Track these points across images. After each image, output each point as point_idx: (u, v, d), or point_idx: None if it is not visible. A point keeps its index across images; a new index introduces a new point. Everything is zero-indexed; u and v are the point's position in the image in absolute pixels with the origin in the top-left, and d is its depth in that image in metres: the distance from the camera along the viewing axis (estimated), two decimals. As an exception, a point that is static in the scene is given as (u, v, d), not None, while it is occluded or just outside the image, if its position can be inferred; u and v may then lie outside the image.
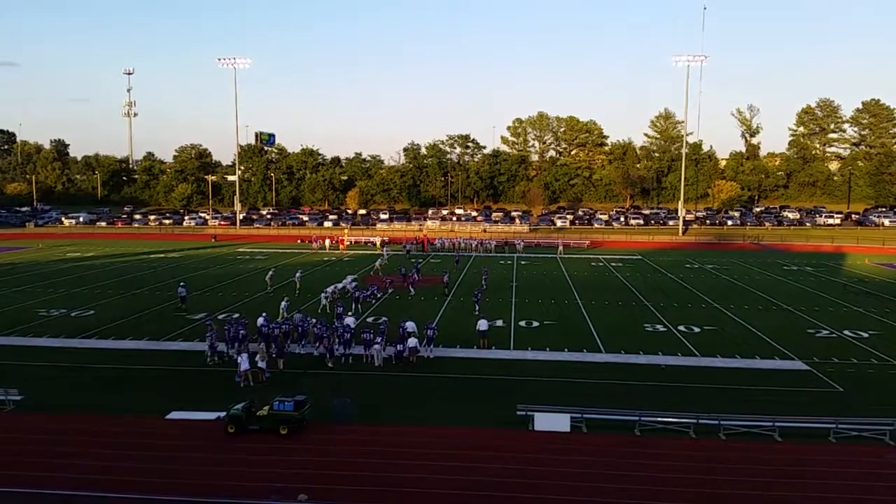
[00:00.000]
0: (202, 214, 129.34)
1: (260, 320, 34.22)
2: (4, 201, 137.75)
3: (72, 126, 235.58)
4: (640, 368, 31.13)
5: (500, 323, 39.94)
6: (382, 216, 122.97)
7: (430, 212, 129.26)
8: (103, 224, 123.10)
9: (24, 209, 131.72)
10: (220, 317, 40.57)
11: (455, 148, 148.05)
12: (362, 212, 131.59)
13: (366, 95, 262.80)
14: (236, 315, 40.67)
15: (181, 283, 47.33)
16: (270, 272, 54.00)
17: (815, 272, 64.73)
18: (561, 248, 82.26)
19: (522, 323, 40.26)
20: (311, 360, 31.83)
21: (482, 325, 34.41)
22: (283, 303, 39.90)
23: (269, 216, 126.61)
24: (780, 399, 26.75)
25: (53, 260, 71.33)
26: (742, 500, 18.68)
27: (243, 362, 28.32)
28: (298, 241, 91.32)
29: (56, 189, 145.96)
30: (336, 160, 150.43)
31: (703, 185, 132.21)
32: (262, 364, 28.58)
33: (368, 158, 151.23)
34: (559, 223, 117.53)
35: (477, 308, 43.08)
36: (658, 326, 39.79)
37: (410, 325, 33.38)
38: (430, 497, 17.71)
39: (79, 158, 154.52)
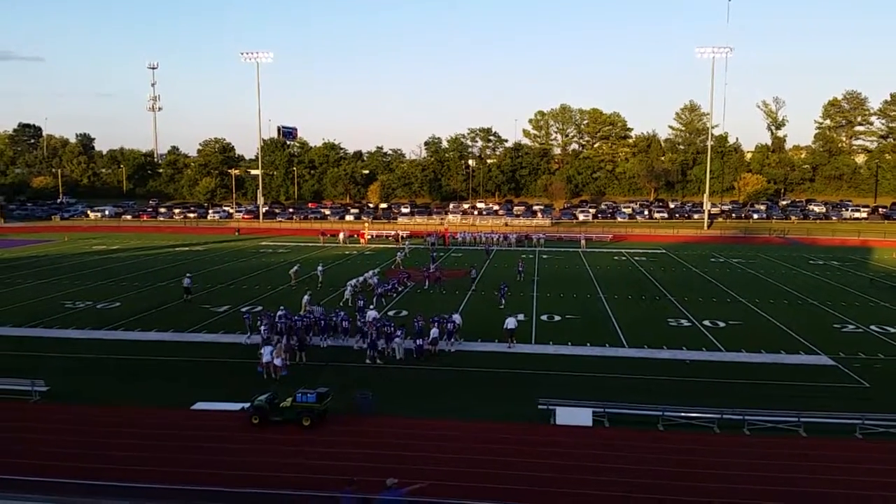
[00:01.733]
0: (226, 208, 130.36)
1: (280, 313, 34.42)
2: (31, 194, 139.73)
3: (97, 120, 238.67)
4: (664, 363, 30.90)
5: (521, 317, 39.78)
6: (403, 210, 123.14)
7: (451, 206, 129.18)
8: (129, 217, 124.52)
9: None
10: (242, 309, 40.85)
11: (476, 141, 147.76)
12: (383, 206, 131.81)
13: (388, 89, 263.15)
14: (258, 308, 40.90)
15: (187, 274, 48.30)
16: (296, 267, 54.17)
17: (842, 266, 63.91)
18: (583, 241, 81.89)
19: (544, 317, 40.12)
20: (333, 353, 31.95)
21: (510, 322, 33.89)
22: (306, 297, 40.08)
23: (290, 210, 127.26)
24: (805, 394, 26.45)
25: (79, 253, 72.27)
26: (767, 496, 18.48)
27: (266, 354, 28.56)
28: (320, 236, 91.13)
29: (82, 182, 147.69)
30: (358, 154, 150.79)
31: (729, 178, 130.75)
32: (277, 361, 28.62)
33: (390, 152, 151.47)
34: (581, 217, 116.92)
35: (503, 302, 42.97)
36: (682, 321, 39.49)
37: (457, 318, 33.88)
38: (449, 489, 17.71)
39: (104, 152, 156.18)
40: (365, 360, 30.58)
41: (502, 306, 42.17)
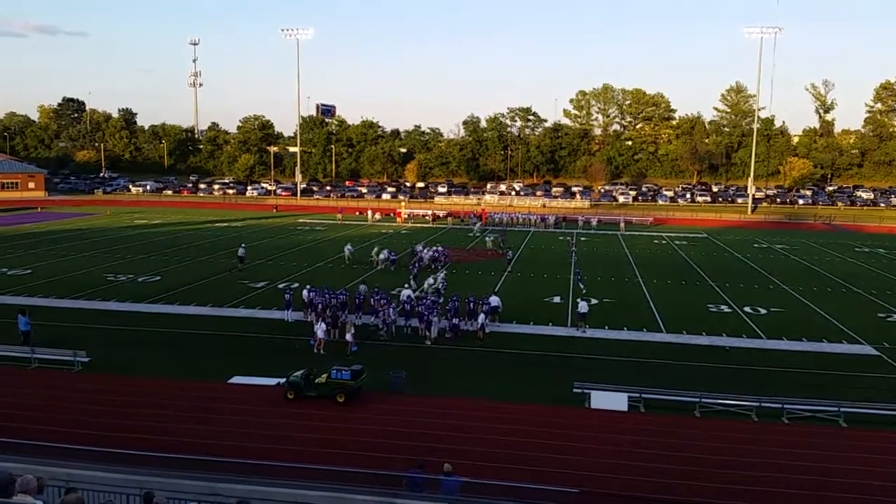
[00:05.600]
0: (264, 185, 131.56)
1: (305, 293, 34.52)
2: (75, 168, 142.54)
3: (139, 96, 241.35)
4: (703, 349, 30.46)
5: (557, 300, 39.59)
6: (440, 189, 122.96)
7: (488, 186, 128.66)
8: (169, 192, 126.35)
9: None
10: (280, 286, 41.19)
11: (515, 121, 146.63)
12: (420, 185, 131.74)
13: (427, 67, 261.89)
14: (296, 285, 41.10)
15: (242, 245, 49.75)
16: (349, 246, 53.69)
17: (889, 254, 62.27)
18: (622, 224, 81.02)
19: (579, 300, 39.70)
20: (367, 331, 32.02)
21: (582, 307, 33.29)
22: (363, 286, 39.24)
23: (328, 188, 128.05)
24: (846, 384, 25.88)
25: (121, 226, 73.53)
26: (804, 486, 18.15)
27: (319, 330, 29.03)
28: (338, 214, 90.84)
29: (124, 157, 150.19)
30: (395, 132, 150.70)
31: (775, 162, 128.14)
32: (348, 337, 29.01)
33: (427, 131, 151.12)
34: (621, 199, 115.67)
35: (582, 286, 42.67)
36: (722, 307, 38.85)
37: (494, 300, 33.62)
38: (478, 469, 17.67)
39: (146, 127, 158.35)
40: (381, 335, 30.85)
41: (584, 290, 41.85)
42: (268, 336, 31.44)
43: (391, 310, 31.83)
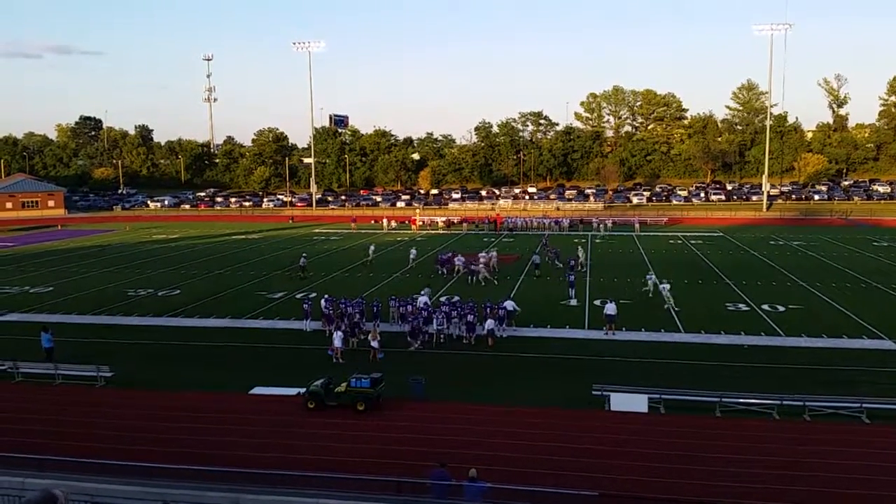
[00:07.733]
0: (280, 196, 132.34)
1: (323, 302, 34.68)
2: (93, 185, 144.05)
3: (155, 112, 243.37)
4: (721, 349, 30.33)
5: (574, 302, 39.55)
6: (454, 196, 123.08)
7: (501, 190, 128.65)
8: (187, 207, 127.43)
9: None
10: (298, 295, 41.43)
11: (527, 125, 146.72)
12: (434, 191, 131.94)
13: (438, 74, 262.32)
14: (313, 294, 41.34)
15: (303, 255, 52.97)
16: (370, 247, 57.35)
17: (909, 248, 61.72)
18: (637, 225, 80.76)
19: (598, 302, 39.64)
20: (386, 339, 32.11)
21: (610, 308, 33.03)
22: (424, 290, 38.04)
23: (343, 198, 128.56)
24: (868, 380, 25.69)
25: (140, 242, 74.25)
26: (829, 483, 18.05)
27: (337, 339, 29.16)
28: (351, 223, 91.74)
29: (141, 173, 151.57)
30: (408, 140, 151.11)
31: (789, 158, 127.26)
32: (375, 344, 28.97)
33: (440, 138, 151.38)
34: (635, 200, 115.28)
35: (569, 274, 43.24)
36: (740, 305, 38.65)
37: (510, 304, 33.64)
38: (498, 473, 17.72)
39: (162, 143, 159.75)
40: (411, 346, 30.78)
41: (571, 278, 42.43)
42: (287, 346, 31.66)
43: (438, 318, 31.75)
